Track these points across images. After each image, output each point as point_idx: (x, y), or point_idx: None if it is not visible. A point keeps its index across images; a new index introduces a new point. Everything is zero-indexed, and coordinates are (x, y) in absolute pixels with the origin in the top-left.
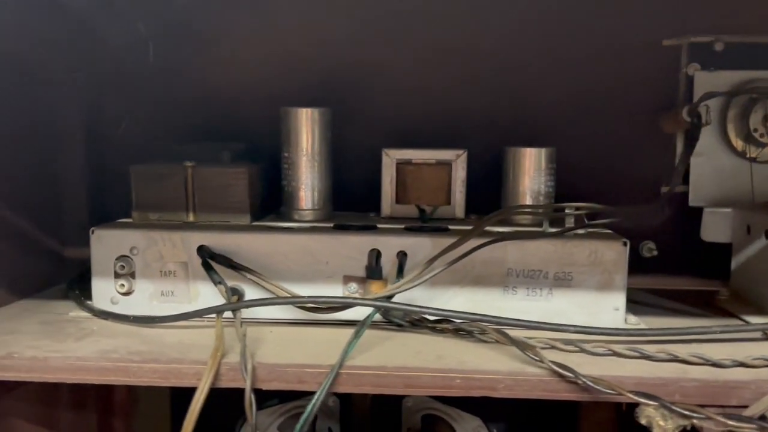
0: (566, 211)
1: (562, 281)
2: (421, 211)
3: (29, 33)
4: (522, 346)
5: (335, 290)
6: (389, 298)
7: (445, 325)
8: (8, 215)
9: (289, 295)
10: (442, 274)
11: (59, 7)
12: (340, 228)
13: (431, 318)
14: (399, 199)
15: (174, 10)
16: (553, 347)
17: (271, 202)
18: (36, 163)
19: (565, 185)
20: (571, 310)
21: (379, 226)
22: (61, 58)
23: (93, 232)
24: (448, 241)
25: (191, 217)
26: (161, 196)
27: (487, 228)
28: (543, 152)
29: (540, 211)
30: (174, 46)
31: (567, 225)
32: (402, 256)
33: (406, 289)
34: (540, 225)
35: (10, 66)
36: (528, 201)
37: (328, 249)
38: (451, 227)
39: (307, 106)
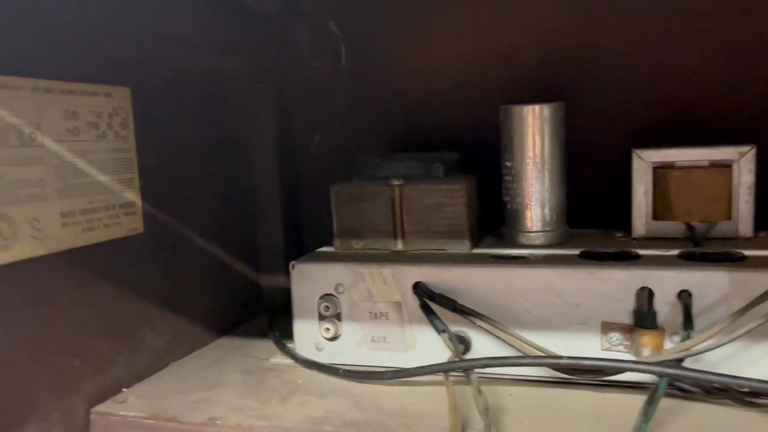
0: None
1: None
2: (691, 228)
3: (216, 44)
4: None
5: (591, 341)
6: (678, 360)
7: (763, 398)
8: (203, 243)
9: (540, 353)
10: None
11: (242, 10)
12: (591, 257)
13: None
14: (658, 214)
15: (369, 3)
16: None
17: (488, 222)
18: (229, 185)
19: None
20: None
21: (640, 252)
22: (249, 69)
23: (293, 267)
24: (757, 277)
25: (400, 245)
26: (366, 220)
27: None
28: None
29: None
30: (370, 45)
31: None
32: (686, 297)
33: (704, 351)
34: None
35: (200, 81)
36: None
37: (578, 286)
38: (745, 252)
39: (528, 103)
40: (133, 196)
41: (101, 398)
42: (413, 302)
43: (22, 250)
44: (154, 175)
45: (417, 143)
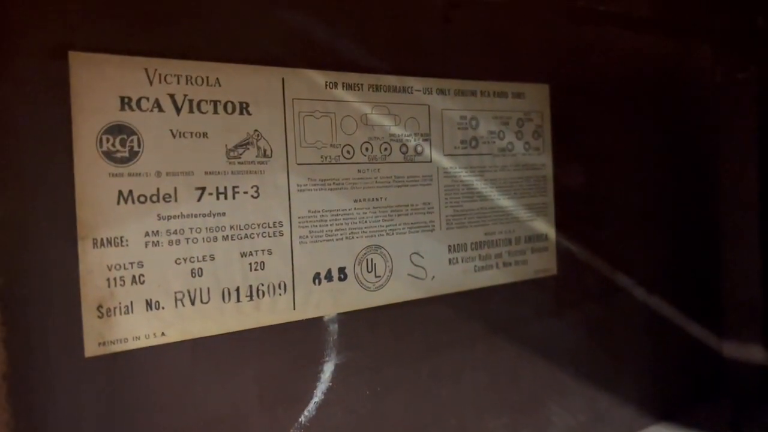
0: None
1: None
2: None
3: (675, 21)
4: None
5: None
6: None
7: None
8: (640, 293)
9: None
10: None
11: None
12: None
13: None
14: None
15: None
16: None
17: None
18: (680, 214)
19: None
20: None
21: None
22: (720, 53)
23: None
24: None
25: None
26: None
27: None
28: None
29: None
30: None
31: None
32: None
33: None
34: None
35: (648, 74)
36: None
37: None
38: None
39: None
40: (545, 226)
41: None
42: None
43: (396, 291)
44: (574, 200)
45: None
